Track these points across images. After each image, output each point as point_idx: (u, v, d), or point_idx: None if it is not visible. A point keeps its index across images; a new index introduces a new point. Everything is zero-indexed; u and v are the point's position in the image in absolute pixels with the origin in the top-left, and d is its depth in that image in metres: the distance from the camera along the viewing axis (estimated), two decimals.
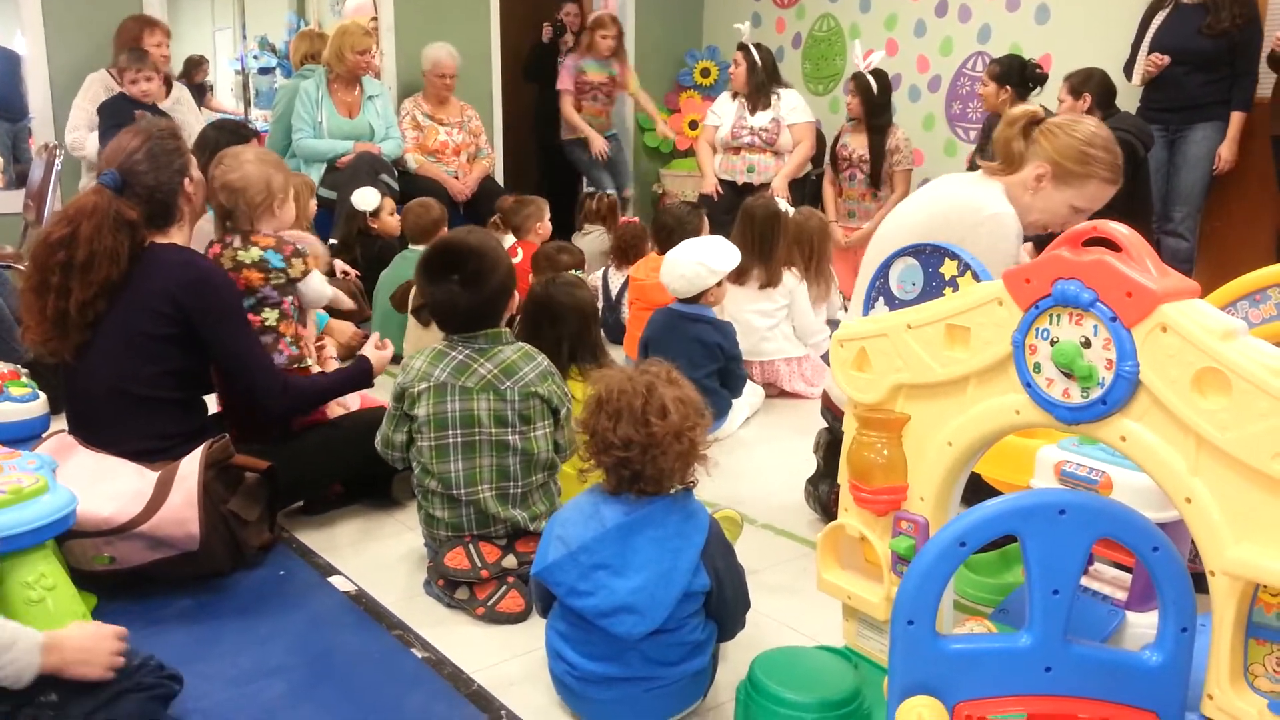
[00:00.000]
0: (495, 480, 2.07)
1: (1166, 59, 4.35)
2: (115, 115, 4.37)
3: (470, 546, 2.07)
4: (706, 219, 4.09)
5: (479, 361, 2.09)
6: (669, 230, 3.84)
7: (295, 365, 2.49)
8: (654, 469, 1.60)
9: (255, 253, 2.47)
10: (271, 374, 2.34)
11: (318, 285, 2.60)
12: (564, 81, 5.98)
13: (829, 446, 2.47)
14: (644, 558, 1.58)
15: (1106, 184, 2.16)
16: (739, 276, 3.57)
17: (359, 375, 2.53)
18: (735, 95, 5.33)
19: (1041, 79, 4.65)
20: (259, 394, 2.33)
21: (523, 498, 2.10)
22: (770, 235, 3.58)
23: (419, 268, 2.22)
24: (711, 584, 1.62)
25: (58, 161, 4.46)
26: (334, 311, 3.26)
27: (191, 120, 4.78)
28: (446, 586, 2.06)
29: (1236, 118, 4.37)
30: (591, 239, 5.10)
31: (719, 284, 3.14)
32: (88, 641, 1.47)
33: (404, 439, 2.14)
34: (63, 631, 1.47)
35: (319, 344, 2.81)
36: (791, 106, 5.24)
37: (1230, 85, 4.37)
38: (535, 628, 1.72)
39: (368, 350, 2.58)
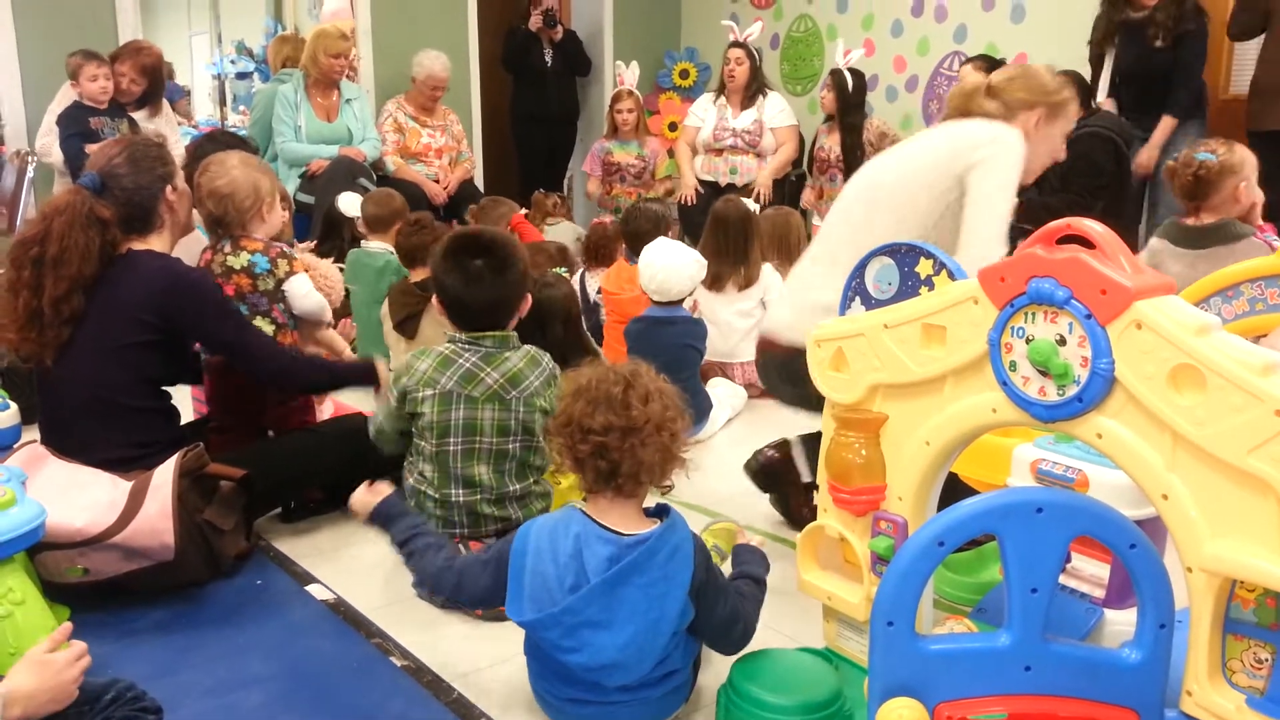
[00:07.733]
0: (494, 486, 2.09)
1: None
2: (73, 123, 4.30)
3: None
4: (679, 220, 4.07)
5: (486, 370, 2.07)
6: (643, 235, 3.64)
7: None
8: (633, 461, 1.50)
9: (244, 257, 2.46)
10: (275, 356, 2.36)
11: (305, 291, 2.55)
12: (589, 165, 5.73)
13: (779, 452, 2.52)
14: (631, 609, 1.48)
15: (1075, 103, 2.37)
16: (715, 283, 3.54)
17: (364, 369, 2.55)
18: (718, 96, 5.35)
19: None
20: (267, 378, 2.37)
21: (520, 499, 2.12)
22: (745, 236, 3.56)
23: (440, 257, 2.13)
24: (698, 611, 1.55)
25: (30, 169, 4.40)
26: None
27: (167, 132, 4.72)
28: None
29: (1166, 121, 4.27)
30: (560, 230, 5.08)
31: None
32: (49, 682, 1.31)
33: (395, 434, 2.19)
34: (17, 683, 1.30)
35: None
36: (777, 109, 5.31)
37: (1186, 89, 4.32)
38: (516, 634, 1.70)
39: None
